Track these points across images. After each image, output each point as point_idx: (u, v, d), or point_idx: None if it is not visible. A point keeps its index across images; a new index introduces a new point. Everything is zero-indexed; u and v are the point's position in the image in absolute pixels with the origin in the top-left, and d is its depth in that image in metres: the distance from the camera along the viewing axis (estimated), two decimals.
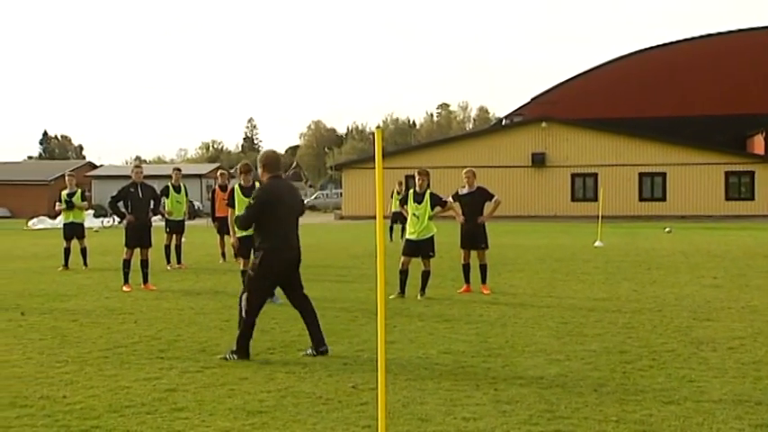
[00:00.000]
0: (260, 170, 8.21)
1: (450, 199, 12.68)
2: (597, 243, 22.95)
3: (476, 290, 12.59)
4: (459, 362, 7.53)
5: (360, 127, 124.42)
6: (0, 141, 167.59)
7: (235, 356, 7.70)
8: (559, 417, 5.71)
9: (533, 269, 16.29)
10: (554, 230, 32.69)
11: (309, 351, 7.92)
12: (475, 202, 12.61)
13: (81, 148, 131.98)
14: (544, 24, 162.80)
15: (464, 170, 12.90)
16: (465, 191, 12.68)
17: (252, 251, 8.56)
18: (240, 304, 8.08)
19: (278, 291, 11.61)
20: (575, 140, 45.97)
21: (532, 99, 55.89)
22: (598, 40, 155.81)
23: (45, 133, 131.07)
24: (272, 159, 8.27)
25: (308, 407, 5.99)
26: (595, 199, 41.91)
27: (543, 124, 46.21)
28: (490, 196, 12.67)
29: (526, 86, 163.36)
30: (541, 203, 45.53)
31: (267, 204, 7.96)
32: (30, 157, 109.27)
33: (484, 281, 12.71)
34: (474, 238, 12.59)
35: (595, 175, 45.13)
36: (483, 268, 12.70)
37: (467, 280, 12.70)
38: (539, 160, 45.64)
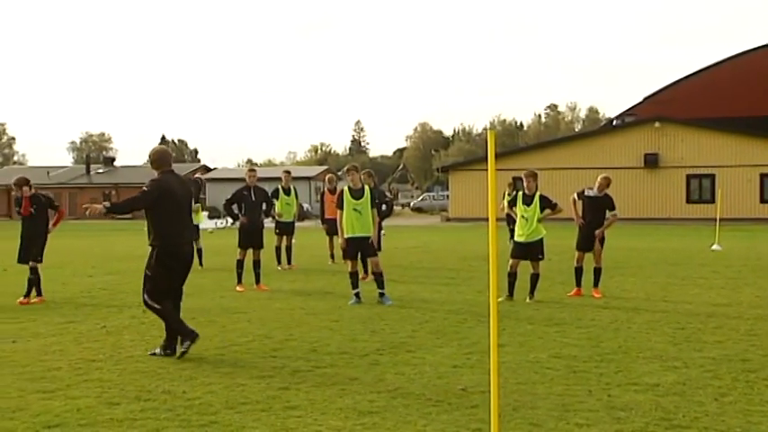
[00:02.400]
0: (152, 167, 8.14)
1: (575, 196, 12.49)
2: (715, 246, 22.08)
3: (586, 293, 12.33)
4: (570, 366, 7.39)
5: (467, 129, 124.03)
6: (124, 146, 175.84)
7: (188, 343, 7.83)
8: (677, 426, 5.51)
9: (646, 273, 15.81)
10: (668, 233, 31.65)
11: (158, 351, 7.94)
12: (599, 206, 12.35)
13: (196, 151, 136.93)
14: (658, 23, 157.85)
15: (601, 174, 12.66)
16: (592, 193, 12.43)
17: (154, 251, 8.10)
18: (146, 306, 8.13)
19: (389, 291, 11.74)
20: (690, 140, 44.31)
21: (645, 98, 54.24)
22: (713, 39, 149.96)
23: (163, 138, 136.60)
24: (159, 155, 8.20)
25: (418, 408, 6.00)
26: (712, 201, 40.31)
27: (656, 124, 44.76)
28: (612, 207, 12.38)
29: (638, 86, 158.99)
30: (654, 205, 44.10)
31: (158, 199, 7.87)
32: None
33: (596, 284, 12.42)
34: (591, 240, 12.34)
35: (712, 176, 43.36)
36: (597, 272, 12.42)
37: (578, 283, 12.45)
38: (652, 161, 44.24)
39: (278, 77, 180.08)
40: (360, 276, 12.02)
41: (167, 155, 8.25)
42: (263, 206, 14.02)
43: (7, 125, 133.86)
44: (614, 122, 53.77)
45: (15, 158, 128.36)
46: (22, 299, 11.96)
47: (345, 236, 11.67)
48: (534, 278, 11.93)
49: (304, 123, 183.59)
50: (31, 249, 12.16)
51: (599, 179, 12.47)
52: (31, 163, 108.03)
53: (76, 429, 5.49)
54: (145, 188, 7.97)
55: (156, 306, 7.98)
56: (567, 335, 9.02)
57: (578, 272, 12.46)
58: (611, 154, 44.65)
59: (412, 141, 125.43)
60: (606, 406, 6.02)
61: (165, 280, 7.99)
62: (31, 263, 12.13)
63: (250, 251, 13.61)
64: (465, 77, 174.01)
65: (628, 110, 54.59)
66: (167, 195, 7.91)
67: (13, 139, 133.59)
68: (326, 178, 18.84)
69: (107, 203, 8.04)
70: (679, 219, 42.52)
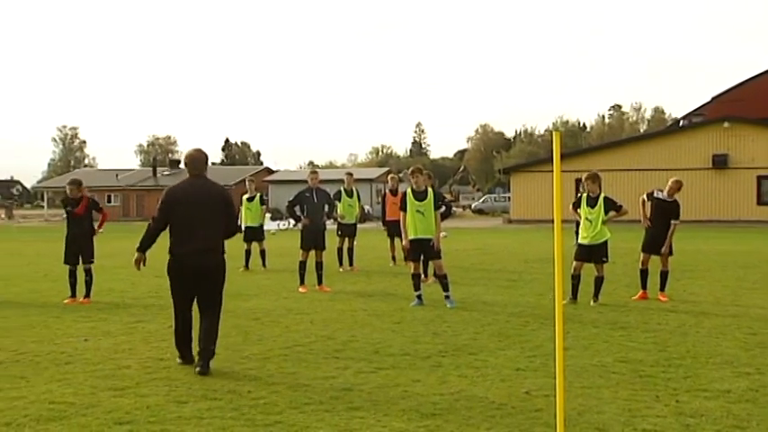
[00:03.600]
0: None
1: (644, 196, 12.29)
2: None
3: (651, 296, 12.09)
4: (636, 371, 7.25)
5: (528, 130, 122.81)
6: (189, 149, 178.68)
7: (179, 360, 7.64)
8: None
9: (715, 276, 15.43)
10: (737, 236, 30.82)
11: (198, 368, 7.28)
12: (666, 211, 12.10)
13: (259, 153, 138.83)
14: (726, 20, 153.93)
15: (673, 177, 12.42)
16: (663, 195, 12.21)
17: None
18: None
19: (453, 293, 11.70)
20: (762, 140, 43.03)
21: (714, 98, 52.97)
22: None
23: (227, 140, 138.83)
24: (189, 160, 7.80)
25: (481, 411, 5.97)
26: None
27: (725, 124, 43.62)
28: (676, 216, 12.12)
29: (706, 85, 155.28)
30: (723, 207, 42.98)
31: (169, 211, 7.52)
32: (213, 164, 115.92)
33: (663, 288, 12.17)
34: (658, 243, 12.10)
35: None
36: (663, 275, 12.17)
37: (643, 286, 12.22)
38: (720, 162, 43.14)
39: (339, 79, 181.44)
40: (421, 279, 12.01)
41: (197, 160, 7.75)
42: (325, 208, 14.08)
43: (79, 129, 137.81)
44: (681, 123, 52.58)
45: (86, 161, 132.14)
46: (82, 299, 12.30)
47: (408, 238, 11.68)
48: (598, 281, 11.76)
49: (365, 125, 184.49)
50: (85, 251, 12.45)
51: (670, 182, 12.23)
52: (101, 166, 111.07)
53: (146, 426, 5.62)
54: (158, 203, 7.73)
55: (175, 318, 7.72)
56: (633, 339, 8.86)
57: (643, 274, 12.23)
58: (677, 155, 43.69)
59: (473, 143, 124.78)
60: (675, 412, 5.89)
61: (175, 291, 7.64)
62: (86, 264, 12.44)
63: (312, 252, 13.72)
64: (527, 78, 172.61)
65: (695, 110, 53.42)
66: (177, 204, 7.52)
67: (84, 142, 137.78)
68: (389, 178, 18.82)
69: (137, 249, 7.78)
70: (749, 221, 41.37)
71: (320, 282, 13.74)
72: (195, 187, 7.64)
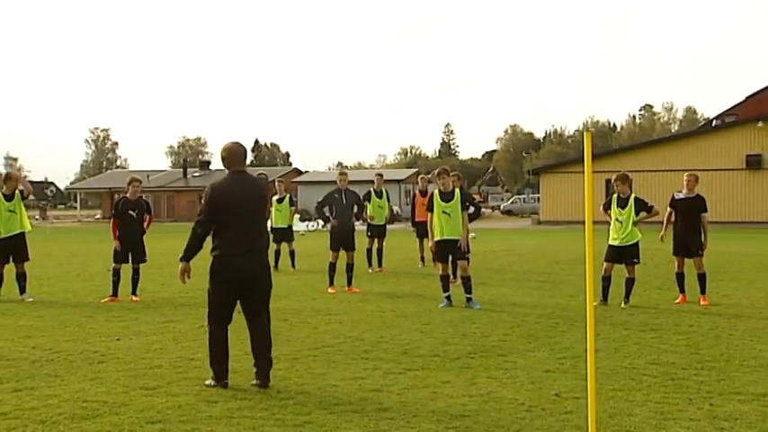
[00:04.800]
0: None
1: (669, 208, 12.14)
2: None
3: (691, 300, 11.89)
4: (668, 373, 7.18)
5: (558, 130, 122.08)
6: (218, 150, 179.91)
7: (212, 382, 6.86)
8: None
9: (749, 278, 15.21)
10: None
11: (255, 382, 6.86)
12: (692, 208, 11.91)
13: (288, 155, 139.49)
14: (759, 19, 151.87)
15: (686, 173, 12.28)
16: (682, 195, 12.06)
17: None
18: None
19: (479, 295, 11.66)
20: None
21: (747, 97, 52.31)
22: None
23: (256, 141, 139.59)
24: (228, 153, 7.13)
25: (511, 413, 5.94)
26: None
27: (759, 124, 42.98)
28: (705, 209, 11.93)
29: (739, 84, 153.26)
30: (757, 208, 42.33)
31: (217, 211, 6.88)
32: None
33: (703, 291, 11.92)
34: (688, 244, 11.92)
35: None
36: (701, 278, 11.92)
37: (681, 289, 12.03)
38: (754, 162, 42.50)
39: (368, 81, 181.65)
40: (450, 280, 11.98)
41: (238, 153, 7.14)
42: (354, 209, 14.11)
43: (111, 131, 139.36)
44: (714, 123, 52.04)
45: (118, 162, 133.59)
46: (132, 297, 12.51)
47: (435, 239, 11.66)
48: (629, 282, 11.64)
49: (394, 126, 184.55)
50: (137, 250, 12.70)
51: (686, 178, 12.09)
52: (132, 167, 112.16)
53: (177, 426, 5.66)
54: (202, 201, 7.14)
55: (208, 327, 7.07)
56: (665, 341, 8.76)
57: (680, 278, 12.04)
58: (710, 155, 43.14)
59: (502, 143, 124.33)
60: (708, 415, 5.82)
61: (218, 296, 6.94)
62: (136, 264, 12.68)
63: (343, 253, 13.74)
64: (557, 78, 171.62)
65: (728, 109, 52.82)
66: (225, 203, 6.90)
67: (116, 143, 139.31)
68: (419, 179, 18.80)
69: (181, 259, 7.07)
70: None
71: (350, 283, 13.76)
72: (241, 184, 7.02)
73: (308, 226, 41.88)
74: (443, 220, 11.59)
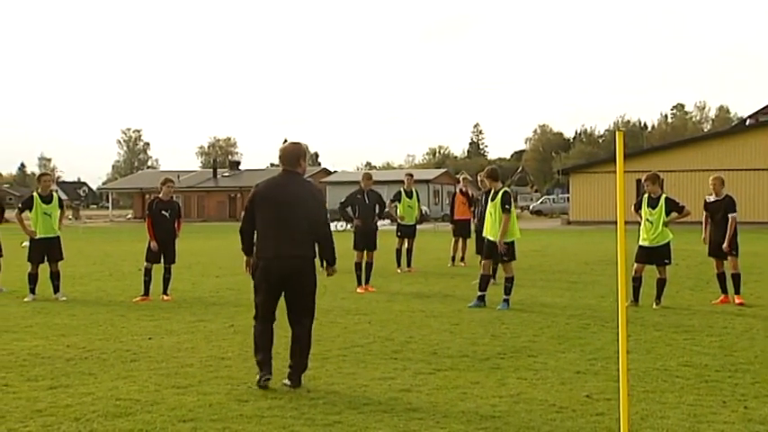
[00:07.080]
0: None
1: (704, 214, 12.05)
2: None
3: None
4: (701, 375, 7.10)
5: (588, 130, 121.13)
6: (248, 150, 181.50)
7: (259, 376, 6.83)
8: None
9: None
10: None
11: (286, 381, 6.80)
12: (724, 209, 11.79)
13: (317, 155, 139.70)
14: None
15: (711, 177, 12.15)
16: (712, 198, 11.95)
17: None
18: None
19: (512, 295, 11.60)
20: None
21: None
22: None
23: (285, 141, 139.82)
24: (282, 152, 7.14)
25: (541, 414, 5.91)
26: None
27: None
28: (732, 209, 11.79)
29: None
30: None
31: (255, 209, 6.92)
32: (272, 165, 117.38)
33: (737, 291, 11.82)
34: (720, 246, 11.80)
35: None
36: (735, 278, 11.82)
37: (723, 290, 11.89)
38: None
39: (397, 81, 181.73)
40: (489, 281, 11.99)
41: (284, 152, 7.11)
42: (376, 209, 14.22)
43: (143, 132, 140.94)
44: (747, 122, 51.32)
45: (149, 163, 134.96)
46: (164, 296, 12.63)
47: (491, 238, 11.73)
48: (661, 283, 11.53)
49: (423, 126, 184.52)
50: (169, 251, 12.80)
51: (711, 182, 11.99)
52: (163, 167, 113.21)
53: (208, 424, 5.71)
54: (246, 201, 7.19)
55: (254, 321, 7.08)
56: (698, 342, 8.67)
57: (719, 278, 11.92)
58: (743, 155, 42.56)
59: (531, 143, 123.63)
60: (742, 418, 5.74)
61: (257, 295, 6.97)
62: (169, 264, 12.79)
63: (364, 252, 13.86)
64: (587, 78, 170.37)
65: (763, 108, 52.01)
66: (263, 202, 6.91)
67: (148, 144, 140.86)
68: (461, 179, 19.30)
69: (243, 251, 7.12)
70: None
71: (367, 281, 13.82)
72: (284, 184, 6.98)
73: (336, 226, 41.99)
74: (488, 219, 11.79)
